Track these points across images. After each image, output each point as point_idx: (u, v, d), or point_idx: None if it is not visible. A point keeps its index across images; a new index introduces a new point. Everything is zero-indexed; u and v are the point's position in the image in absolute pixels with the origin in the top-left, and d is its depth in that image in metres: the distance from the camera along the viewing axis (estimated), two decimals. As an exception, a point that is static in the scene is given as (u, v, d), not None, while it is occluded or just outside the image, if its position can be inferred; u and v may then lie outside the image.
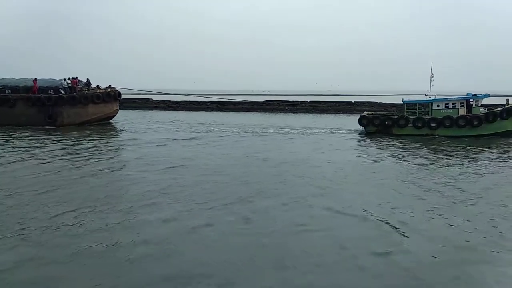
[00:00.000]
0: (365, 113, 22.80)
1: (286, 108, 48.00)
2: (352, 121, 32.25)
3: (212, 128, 25.18)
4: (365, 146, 17.36)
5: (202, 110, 48.41)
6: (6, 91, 25.97)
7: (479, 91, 25.17)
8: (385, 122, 20.39)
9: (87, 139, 19.77)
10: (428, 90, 20.38)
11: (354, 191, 9.86)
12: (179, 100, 52.06)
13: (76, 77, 26.49)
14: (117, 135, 22.47)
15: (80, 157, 14.74)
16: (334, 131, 22.87)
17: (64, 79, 26.23)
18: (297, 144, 18.03)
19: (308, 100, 49.40)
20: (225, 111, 48.10)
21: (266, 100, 51.40)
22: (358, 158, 14.35)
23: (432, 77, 20.26)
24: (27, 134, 21.44)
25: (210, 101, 52.40)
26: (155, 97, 52.11)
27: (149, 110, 45.33)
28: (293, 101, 49.89)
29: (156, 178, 11.15)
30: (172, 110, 48.44)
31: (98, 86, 26.94)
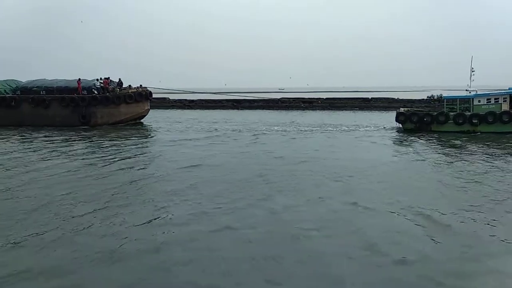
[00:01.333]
0: (401, 109, 22.82)
1: (302, 105, 48.09)
2: (371, 118, 32.52)
3: (235, 127, 25.16)
4: (406, 144, 17.34)
5: (218, 109, 48.54)
6: (41, 92, 26.08)
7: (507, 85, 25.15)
8: (423, 118, 20.45)
9: (120, 139, 19.98)
10: (468, 85, 20.38)
11: (413, 192, 9.72)
12: (195, 98, 52.28)
13: (108, 77, 26.61)
14: (149, 134, 22.55)
15: (112, 156, 14.99)
16: (368, 129, 22.98)
17: (97, 79, 26.36)
18: (336, 142, 18.07)
19: (324, 97, 49.55)
20: (241, 109, 48.21)
21: (282, 98, 51.60)
22: (404, 157, 14.34)
23: (472, 71, 20.25)
24: (61, 134, 21.70)
25: (225, 99, 52.76)
26: (171, 96, 52.30)
27: (166, 109, 45.33)
28: (309, 98, 50.07)
29: (184, 176, 11.34)
30: (188, 109, 48.65)
31: (129, 86, 27.05)
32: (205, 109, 48.27)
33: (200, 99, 52.14)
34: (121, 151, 16.30)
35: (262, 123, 27.42)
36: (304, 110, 45.42)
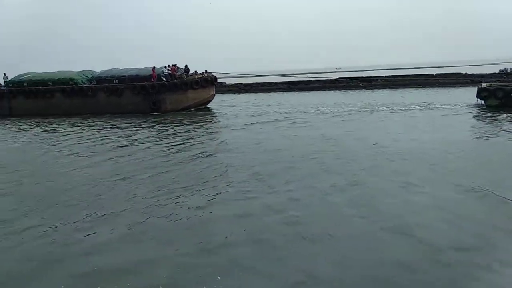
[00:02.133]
0: (484, 84, 21.29)
1: (361, 84, 46.56)
2: (440, 95, 30.71)
3: (300, 108, 24.77)
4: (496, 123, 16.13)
5: (273, 91, 48.33)
6: (114, 81, 27.28)
7: None
8: (510, 94, 18.97)
9: (192, 124, 20.33)
10: None
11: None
12: (251, 82, 52.38)
13: (175, 64, 27.20)
14: (216, 119, 22.88)
15: (184, 141, 15.25)
16: (446, 107, 21.71)
17: (165, 67, 27.05)
18: (421, 123, 17.12)
19: (384, 75, 47.60)
20: (296, 91, 47.67)
21: (339, 77, 50.28)
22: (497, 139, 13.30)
23: None
24: (135, 121, 22.55)
25: (280, 82, 52.36)
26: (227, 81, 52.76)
27: (221, 93, 45.75)
28: (368, 77, 48.36)
29: (256, 161, 11.11)
30: (244, 92, 48.89)
31: (195, 71, 27.52)
32: (261, 92, 48.32)
33: (256, 83, 52.19)
34: (194, 136, 16.55)
35: (323, 104, 26.83)
36: (363, 89, 44.08)
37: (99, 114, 26.44)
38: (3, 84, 29.14)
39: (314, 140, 13.76)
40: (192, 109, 26.92)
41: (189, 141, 15.12)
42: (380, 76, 47.35)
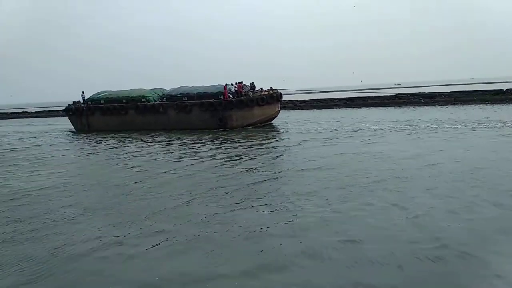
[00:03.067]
0: None
1: (422, 101, 44.87)
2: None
3: (371, 126, 23.93)
4: None
5: (330, 108, 47.79)
6: (183, 98, 28.25)
7: None
8: None
9: (257, 139, 20.45)
10: None
11: None
12: (307, 99, 52.28)
13: (241, 82, 27.70)
14: (280, 135, 22.55)
15: (249, 155, 15.25)
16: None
17: (232, 84, 27.61)
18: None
19: (448, 91, 45.65)
20: (353, 107, 46.78)
21: (398, 94, 48.88)
22: None
23: None
24: (202, 137, 23.07)
25: (337, 98, 51.75)
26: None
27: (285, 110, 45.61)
28: (430, 92, 46.60)
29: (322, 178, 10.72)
30: (299, 109, 48.74)
31: (261, 88, 27.83)
32: (316, 108, 47.95)
33: (312, 99, 51.99)
34: (262, 152, 16.44)
35: (391, 121, 25.94)
36: (424, 105, 42.38)
37: (169, 130, 27.44)
38: (82, 102, 31.21)
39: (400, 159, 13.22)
40: (257, 126, 27.18)
41: (255, 158, 15.03)
42: (443, 92, 45.44)
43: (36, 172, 14.35)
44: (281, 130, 24.93)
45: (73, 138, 27.09)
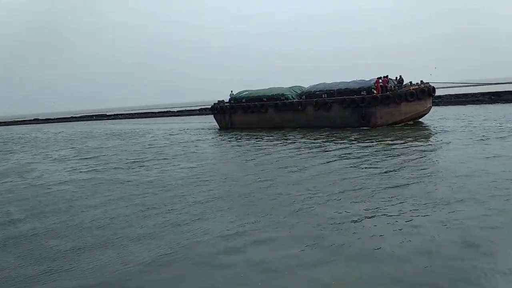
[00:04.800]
0: None
1: None
2: None
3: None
4: None
5: (473, 103, 42.22)
6: (323, 95, 27.35)
7: None
8: None
9: (409, 141, 17.90)
10: None
11: None
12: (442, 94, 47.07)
13: (387, 76, 25.65)
14: (435, 136, 19.17)
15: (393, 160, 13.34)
16: None
17: (379, 78, 25.73)
18: None
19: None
20: (501, 103, 40.70)
21: None
22: None
23: None
24: (345, 135, 21.70)
25: (479, 93, 45.54)
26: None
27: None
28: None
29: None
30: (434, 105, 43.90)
31: (410, 82, 25.41)
32: (455, 104, 42.72)
33: (448, 94, 46.63)
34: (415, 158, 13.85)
35: None
36: None
37: (307, 127, 26.82)
38: (227, 100, 32.72)
39: None
40: (407, 123, 24.87)
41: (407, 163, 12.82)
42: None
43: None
44: (433, 129, 21.79)
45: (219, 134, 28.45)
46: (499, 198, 8.27)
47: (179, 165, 15.86)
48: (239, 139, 24.57)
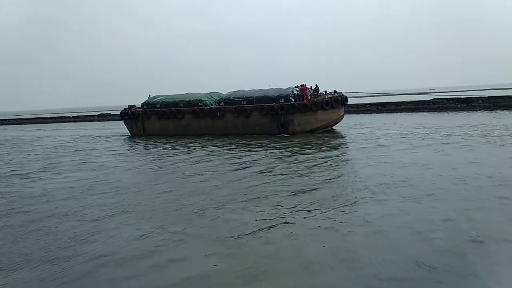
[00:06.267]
0: None
1: (458, 106, 43.84)
2: None
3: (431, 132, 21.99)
4: None
5: (362, 113, 46.68)
6: (242, 102, 26.86)
7: None
8: None
9: (327, 148, 18.69)
10: None
11: None
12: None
13: (304, 84, 26.38)
14: (347, 143, 20.46)
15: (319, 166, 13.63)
16: None
17: (295, 87, 26.29)
18: None
19: (486, 96, 44.48)
20: (386, 113, 45.88)
21: (434, 98, 47.71)
22: None
23: None
24: (263, 141, 21.72)
25: (369, 103, 50.49)
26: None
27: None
28: (467, 97, 45.43)
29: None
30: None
31: (325, 91, 26.51)
32: (347, 114, 46.60)
33: (363, 103, 50.43)
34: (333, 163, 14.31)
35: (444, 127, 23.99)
36: (460, 111, 41.31)
37: (226, 135, 26.03)
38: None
39: None
40: (320, 131, 25.81)
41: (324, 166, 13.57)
42: (481, 97, 44.34)
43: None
44: (344, 136, 23.11)
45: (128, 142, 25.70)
46: (395, 196, 9.12)
47: (74, 175, 13.86)
48: (150, 146, 22.62)
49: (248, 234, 7.07)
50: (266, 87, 27.69)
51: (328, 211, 8.24)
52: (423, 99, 47.47)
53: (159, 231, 7.39)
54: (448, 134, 20.40)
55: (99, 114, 65.75)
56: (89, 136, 31.48)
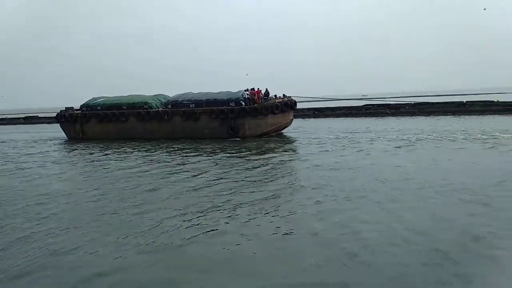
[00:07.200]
0: None
1: (388, 111, 47.00)
2: (480, 123, 28.76)
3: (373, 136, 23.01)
4: None
5: (299, 118, 47.98)
6: (191, 105, 25.89)
7: None
8: None
9: (276, 151, 18.72)
10: None
11: None
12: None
13: (253, 88, 26.20)
14: (297, 147, 20.69)
15: (271, 171, 13.79)
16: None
17: (245, 90, 25.99)
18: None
19: (412, 102, 48.21)
20: (322, 118, 47.74)
21: (366, 104, 50.51)
22: None
23: None
24: (214, 146, 21.23)
25: (306, 108, 52.00)
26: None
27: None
28: (396, 103, 48.82)
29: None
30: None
31: (275, 95, 26.57)
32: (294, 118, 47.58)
33: (301, 108, 51.27)
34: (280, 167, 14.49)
35: (374, 132, 25.28)
36: (389, 116, 44.42)
37: (173, 139, 24.90)
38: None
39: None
40: (271, 134, 25.82)
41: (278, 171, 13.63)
42: (408, 103, 47.94)
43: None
44: (295, 140, 23.22)
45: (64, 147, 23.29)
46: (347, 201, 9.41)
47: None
48: (88, 152, 20.86)
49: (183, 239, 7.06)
50: (215, 90, 27.08)
51: (266, 214, 8.41)
52: (356, 105, 50.11)
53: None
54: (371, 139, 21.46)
55: (25, 117, 59.48)
56: (27, 140, 28.08)
